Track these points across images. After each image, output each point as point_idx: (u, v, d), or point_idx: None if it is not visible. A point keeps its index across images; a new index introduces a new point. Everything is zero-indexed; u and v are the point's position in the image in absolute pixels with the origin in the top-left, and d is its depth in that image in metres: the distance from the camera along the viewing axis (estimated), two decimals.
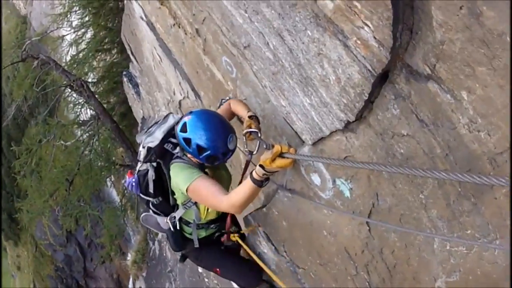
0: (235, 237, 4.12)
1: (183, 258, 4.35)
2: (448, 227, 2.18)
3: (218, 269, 4.48)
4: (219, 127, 3.07)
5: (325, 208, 3.05)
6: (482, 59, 1.67)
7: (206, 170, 3.33)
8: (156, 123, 3.50)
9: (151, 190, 3.44)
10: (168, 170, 3.31)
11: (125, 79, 9.27)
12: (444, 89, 1.86)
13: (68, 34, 13.02)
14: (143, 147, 3.35)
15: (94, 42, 12.20)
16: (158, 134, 3.33)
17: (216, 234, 4.11)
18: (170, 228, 3.84)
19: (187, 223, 3.84)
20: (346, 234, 3.02)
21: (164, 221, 3.79)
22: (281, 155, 2.58)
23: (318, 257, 3.58)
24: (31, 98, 12.90)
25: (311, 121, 2.70)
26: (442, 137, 1.97)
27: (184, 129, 3.05)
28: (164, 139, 3.29)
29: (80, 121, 13.40)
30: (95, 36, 12.30)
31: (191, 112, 3.15)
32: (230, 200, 2.92)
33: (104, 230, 16.94)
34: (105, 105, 12.48)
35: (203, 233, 3.96)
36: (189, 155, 3.23)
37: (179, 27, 4.58)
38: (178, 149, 3.29)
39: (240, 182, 3.69)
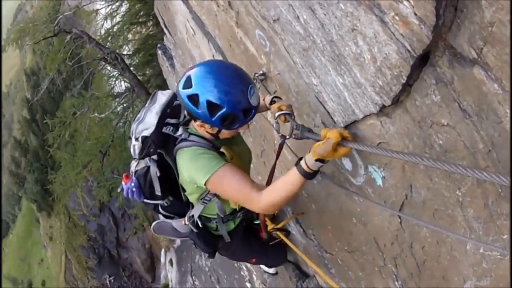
0: (277, 233, 3.63)
1: (212, 254, 3.67)
2: (484, 229, 1.98)
3: (253, 259, 4.32)
4: (235, 75, 2.40)
5: (355, 195, 2.88)
6: None
7: (223, 149, 2.67)
8: (143, 107, 2.85)
9: (158, 191, 2.84)
10: (174, 160, 2.70)
11: (159, 52, 9.24)
12: (491, 77, 1.63)
13: (102, 8, 13.06)
14: (136, 139, 2.67)
15: (129, 15, 12.24)
16: (150, 118, 2.68)
17: (244, 222, 3.56)
18: (192, 230, 3.26)
19: (209, 220, 3.25)
20: (376, 223, 2.86)
21: (182, 224, 3.16)
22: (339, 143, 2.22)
23: (346, 244, 3.45)
24: (65, 71, 13.01)
25: (343, 103, 2.48)
26: (486, 131, 1.74)
27: (188, 84, 2.36)
28: (161, 122, 2.67)
29: (115, 94, 13.50)
30: (130, 9, 12.34)
31: (195, 66, 2.46)
32: (268, 198, 2.43)
33: (137, 201, 17.23)
34: (140, 78, 12.59)
35: (232, 225, 3.42)
36: (197, 127, 2.59)
37: None
38: (181, 130, 2.67)
39: (273, 169, 3.26)
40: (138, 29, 13.07)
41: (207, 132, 2.59)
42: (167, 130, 2.66)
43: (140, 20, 12.28)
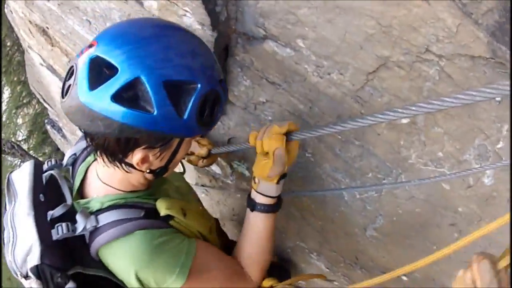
0: None
1: None
2: (349, 176, 2.10)
3: None
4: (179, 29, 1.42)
5: (237, 193, 2.94)
6: (298, 2, 1.61)
7: (164, 210, 1.52)
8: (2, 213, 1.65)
9: None
10: (102, 265, 1.49)
11: (48, 127, 9.00)
12: (282, 44, 1.79)
13: None
14: (26, 277, 1.37)
15: (12, 99, 11.85)
16: (25, 229, 1.41)
17: None
18: None
19: None
20: None
21: None
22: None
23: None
24: None
25: None
26: (299, 92, 1.90)
27: (102, 70, 1.18)
28: (43, 226, 1.43)
29: None
30: (13, 93, 11.96)
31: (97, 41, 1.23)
32: (255, 268, 1.75)
33: None
34: (41, 157, 12.17)
35: None
36: (121, 175, 1.46)
37: None
38: (81, 217, 1.44)
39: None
40: (25, 111, 12.68)
41: (145, 177, 1.50)
42: (59, 233, 1.41)
43: (24, 101, 11.93)
